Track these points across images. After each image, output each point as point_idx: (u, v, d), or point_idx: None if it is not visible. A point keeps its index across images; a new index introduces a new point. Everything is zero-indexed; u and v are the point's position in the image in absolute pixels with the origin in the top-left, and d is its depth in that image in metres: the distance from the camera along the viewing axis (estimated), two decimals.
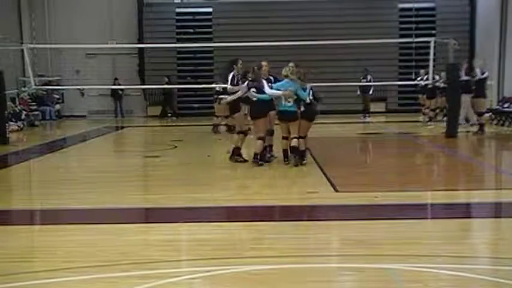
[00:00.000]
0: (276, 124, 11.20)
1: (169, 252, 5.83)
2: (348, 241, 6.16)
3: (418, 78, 19.34)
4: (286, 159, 10.81)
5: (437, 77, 17.80)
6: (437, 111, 19.05)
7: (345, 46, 20.48)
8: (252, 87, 10.66)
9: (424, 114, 19.56)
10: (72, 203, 8.20)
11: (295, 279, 4.99)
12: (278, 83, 10.78)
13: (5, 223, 7.32)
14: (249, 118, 11.38)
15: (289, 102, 10.54)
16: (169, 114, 23.53)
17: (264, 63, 10.95)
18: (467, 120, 16.84)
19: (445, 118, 16.48)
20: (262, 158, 10.86)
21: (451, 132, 14.93)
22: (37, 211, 8.16)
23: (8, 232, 6.84)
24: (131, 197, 8.76)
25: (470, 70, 16.17)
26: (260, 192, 9.01)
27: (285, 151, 10.86)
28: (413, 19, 23.91)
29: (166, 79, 22.98)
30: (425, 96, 19.10)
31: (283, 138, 10.88)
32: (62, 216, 7.57)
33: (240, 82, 11.15)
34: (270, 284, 4.91)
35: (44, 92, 22.90)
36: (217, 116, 17.06)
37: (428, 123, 18.53)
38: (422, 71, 18.93)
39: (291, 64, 10.82)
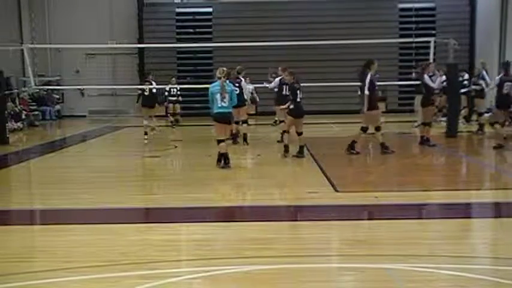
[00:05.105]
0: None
1: (169, 252, 5.83)
2: (348, 241, 6.17)
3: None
4: (224, 162, 10.59)
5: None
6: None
7: (345, 46, 20.45)
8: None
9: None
10: (72, 203, 8.20)
11: (295, 279, 4.99)
12: (215, 84, 10.57)
13: (5, 223, 7.33)
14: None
15: (224, 102, 10.35)
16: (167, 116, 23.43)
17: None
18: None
19: (444, 118, 16.49)
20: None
21: (451, 132, 14.93)
22: (37, 211, 8.18)
23: (8, 232, 6.85)
24: (131, 197, 8.76)
25: None
26: (260, 192, 9.01)
27: (223, 155, 10.64)
28: (413, 19, 23.90)
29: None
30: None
31: (220, 141, 10.61)
32: (62, 216, 7.57)
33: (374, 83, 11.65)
34: (270, 284, 4.91)
35: (45, 92, 22.89)
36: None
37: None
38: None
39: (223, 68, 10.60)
